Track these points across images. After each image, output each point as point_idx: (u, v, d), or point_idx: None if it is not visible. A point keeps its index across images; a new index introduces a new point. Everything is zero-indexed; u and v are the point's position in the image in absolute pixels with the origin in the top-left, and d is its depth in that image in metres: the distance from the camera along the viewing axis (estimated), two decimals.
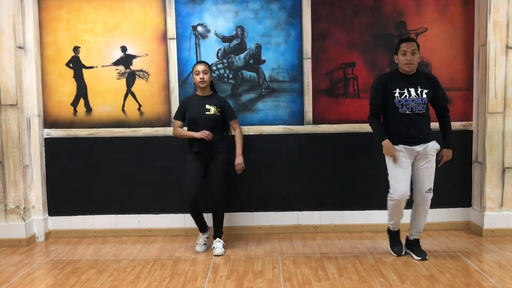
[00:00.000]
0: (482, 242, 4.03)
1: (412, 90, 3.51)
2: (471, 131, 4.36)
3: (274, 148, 4.36)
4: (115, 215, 4.41)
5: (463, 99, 4.35)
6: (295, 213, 4.41)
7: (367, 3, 4.28)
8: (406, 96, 3.51)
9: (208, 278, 3.36)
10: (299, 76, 4.32)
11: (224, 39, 4.33)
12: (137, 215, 4.40)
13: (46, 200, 4.40)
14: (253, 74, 4.35)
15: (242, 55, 4.33)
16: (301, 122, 4.35)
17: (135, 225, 4.40)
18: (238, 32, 4.31)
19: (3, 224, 4.16)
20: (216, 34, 4.32)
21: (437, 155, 3.64)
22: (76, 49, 4.33)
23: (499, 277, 3.25)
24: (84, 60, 4.34)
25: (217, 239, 3.95)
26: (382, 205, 4.15)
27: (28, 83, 4.24)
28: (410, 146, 3.53)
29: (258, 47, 4.32)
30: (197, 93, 3.98)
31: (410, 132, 3.52)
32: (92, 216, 4.41)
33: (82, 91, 4.36)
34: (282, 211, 4.42)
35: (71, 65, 4.34)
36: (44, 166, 4.37)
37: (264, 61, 4.33)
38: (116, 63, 4.34)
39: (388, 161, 3.60)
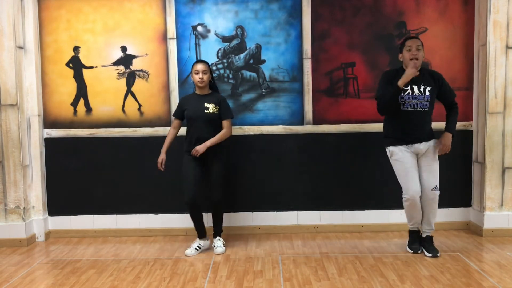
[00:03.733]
0: (482, 242, 4.03)
1: (415, 88, 3.54)
2: (471, 131, 4.36)
3: (274, 148, 4.36)
4: (115, 215, 4.41)
5: (463, 99, 4.34)
6: (295, 213, 4.41)
7: (367, 3, 4.28)
8: (409, 93, 3.54)
9: (208, 278, 3.36)
10: (299, 76, 4.32)
11: (224, 39, 4.33)
12: (137, 215, 4.40)
13: (46, 200, 4.40)
14: (253, 74, 4.35)
15: (242, 55, 4.33)
16: (301, 122, 4.35)
17: (135, 225, 4.40)
18: (238, 32, 4.31)
19: (3, 224, 4.16)
20: (216, 34, 4.32)
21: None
22: (76, 49, 4.33)
23: (499, 277, 3.25)
24: (84, 60, 4.34)
25: (217, 237, 3.97)
26: (382, 205, 4.16)
27: (28, 83, 4.24)
28: (411, 144, 3.57)
29: (258, 47, 4.32)
30: (196, 91, 3.97)
31: (412, 129, 3.55)
32: (92, 216, 4.41)
33: (82, 91, 4.36)
34: (282, 211, 4.42)
35: (71, 65, 4.34)
36: (44, 166, 4.37)
37: (264, 61, 4.33)
38: (116, 63, 4.34)
39: (394, 163, 3.64)
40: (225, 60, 4.33)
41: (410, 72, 3.45)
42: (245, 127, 4.35)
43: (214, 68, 4.33)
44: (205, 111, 3.83)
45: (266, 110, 4.35)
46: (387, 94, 3.52)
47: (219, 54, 4.33)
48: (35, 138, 4.28)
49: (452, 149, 4.36)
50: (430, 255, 3.65)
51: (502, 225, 4.16)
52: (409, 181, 3.57)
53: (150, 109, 4.36)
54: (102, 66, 4.34)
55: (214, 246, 3.91)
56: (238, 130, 4.35)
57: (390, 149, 3.65)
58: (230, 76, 4.35)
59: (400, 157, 3.59)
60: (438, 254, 3.65)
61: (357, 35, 4.29)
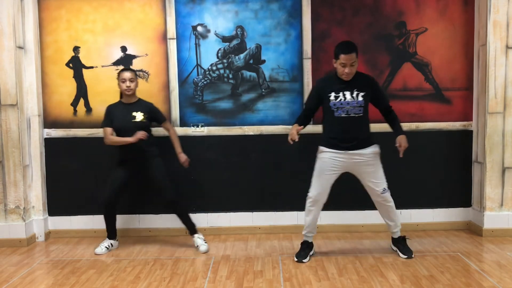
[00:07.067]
0: (482, 242, 4.03)
1: (348, 93, 3.48)
2: (471, 131, 4.36)
3: (274, 148, 4.36)
4: None
5: (463, 99, 4.35)
6: (295, 213, 4.41)
7: (367, 3, 4.28)
8: (341, 99, 3.48)
9: (208, 278, 3.36)
10: (299, 76, 4.32)
11: (224, 39, 4.33)
12: (137, 215, 4.40)
13: (46, 200, 4.40)
14: (253, 74, 4.35)
15: (242, 55, 4.33)
16: None
17: (135, 225, 4.40)
18: (238, 32, 4.31)
19: (3, 224, 4.16)
20: (216, 34, 4.32)
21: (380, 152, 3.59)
22: (76, 49, 4.33)
23: (499, 277, 3.25)
24: (84, 60, 4.34)
25: (195, 235, 3.97)
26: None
27: (28, 83, 4.24)
28: (344, 151, 3.50)
29: (258, 47, 4.32)
30: (122, 100, 3.95)
31: (346, 136, 3.49)
32: (92, 216, 4.41)
33: (82, 91, 4.36)
34: (282, 211, 4.42)
35: (71, 65, 4.34)
36: (44, 166, 4.37)
37: (264, 61, 4.33)
38: (116, 63, 4.34)
39: (318, 161, 3.61)
40: (225, 60, 4.33)
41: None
42: (245, 127, 4.35)
43: (214, 68, 4.33)
44: (133, 120, 3.83)
45: (266, 110, 4.35)
46: (297, 118, 3.69)
47: (219, 54, 4.33)
48: (35, 138, 4.28)
49: (452, 149, 4.38)
50: (405, 256, 3.63)
51: (502, 225, 4.16)
52: (318, 184, 3.57)
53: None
54: (102, 66, 4.34)
55: (196, 245, 3.92)
56: (238, 130, 4.35)
57: (321, 149, 3.60)
58: (230, 76, 4.35)
59: (325, 159, 3.55)
60: (413, 256, 3.63)
61: (357, 35, 4.29)
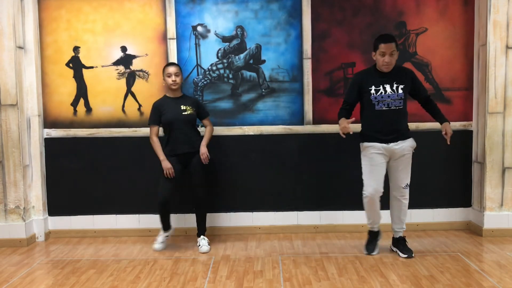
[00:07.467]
0: (482, 242, 4.03)
1: (388, 86, 3.55)
2: (471, 131, 4.36)
3: (274, 148, 4.36)
4: (115, 215, 4.41)
5: (463, 99, 4.35)
6: (295, 213, 4.41)
7: (367, 3, 4.28)
8: (382, 92, 3.54)
9: (208, 278, 3.36)
10: (299, 76, 4.32)
11: (224, 39, 4.33)
12: (137, 215, 4.40)
13: (46, 200, 4.40)
14: (253, 74, 4.35)
15: (242, 55, 4.33)
16: (301, 122, 4.35)
17: (135, 225, 4.40)
18: (238, 32, 4.31)
19: (3, 224, 4.16)
20: (216, 34, 4.32)
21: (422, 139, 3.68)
22: (76, 49, 4.33)
23: (499, 277, 3.25)
24: (84, 60, 4.34)
25: (202, 236, 4.02)
26: (382, 205, 4.16)
27: (28, 83, 4.24)
28: (386, 144, 3.56)
29: (258, 47, 4.32)
30: (168, 95, 3.98)
31: (387, 129, 3.55)
32: (92, 216, 4.41)
33: (82, 91, 4.36)
34: (282, 211, 4.42)
35: (71, 65, 4.34)
36: (44, 166, 4.37)
37: (264, 61, 4.33)
38: (116, 63, 4.34)
39: (363, 158, 3.65)
40: (225, 60, 4.33)
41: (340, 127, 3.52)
42: (245, 127, 4.35)
43: (214, 68, 4.33)
44: (183, 113, 3.88)
45: (266, 110, 4.35)
46: (340, 113, 3.65)
47: (219, 54, 4.33)
48: (35, 138, 4.28)
49: (452, 149, 4.38)
50: (405, 256, 3.65)
51: (502, 225, 4.16)
52: (372, 179, 3.60)
53: (150, 109, 4.34)
54: (102, 66, 4.34)
55: (199, 245, 3.96)
56: (238, 130, 4.35)
57: (364, 145, 3.65)
58: (230, 76, 4.35)
59: (371, 154, 3.60)
60: (413, 255, 3.65)
61: (357, 35, 4.29)
